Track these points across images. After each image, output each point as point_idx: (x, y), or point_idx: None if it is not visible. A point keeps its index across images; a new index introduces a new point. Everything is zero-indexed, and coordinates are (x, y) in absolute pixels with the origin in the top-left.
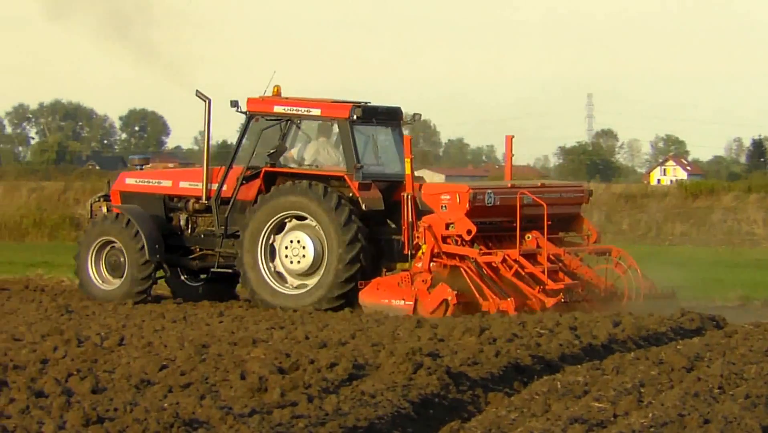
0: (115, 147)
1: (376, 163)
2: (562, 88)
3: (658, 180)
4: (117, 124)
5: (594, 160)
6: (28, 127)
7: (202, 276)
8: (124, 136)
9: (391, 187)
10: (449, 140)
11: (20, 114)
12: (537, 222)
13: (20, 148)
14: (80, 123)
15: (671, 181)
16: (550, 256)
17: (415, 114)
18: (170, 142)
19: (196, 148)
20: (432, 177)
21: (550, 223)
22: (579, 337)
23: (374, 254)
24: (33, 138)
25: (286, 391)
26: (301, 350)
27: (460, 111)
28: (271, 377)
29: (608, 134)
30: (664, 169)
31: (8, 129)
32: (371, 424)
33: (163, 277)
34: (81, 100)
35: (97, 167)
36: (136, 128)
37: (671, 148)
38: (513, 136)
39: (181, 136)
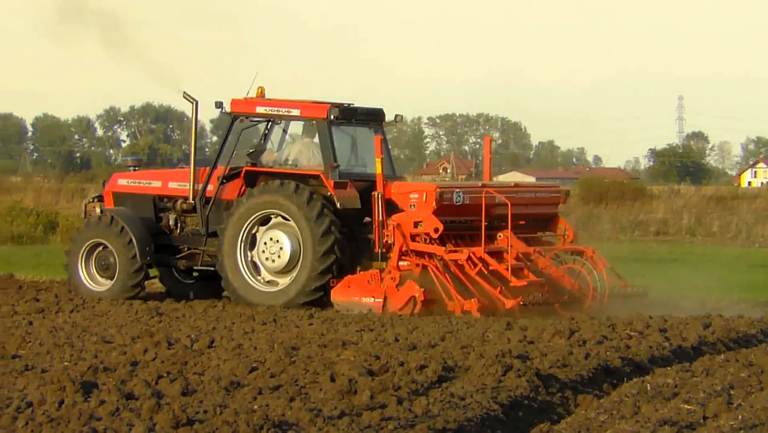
0: (206, 150)
1: (356, 163)
2: (653, 90)
3: (749, 182)
4: (208, 127)
5: (684, 163)
6: (119, 129)
7: (195, 274)
8: (215, 138)
9: (371, 187)
10: (540, 143)
11: (111, 117)
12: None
13: (111, 151)
14: (171, 126)
15: (762, 183)
16: (519, 254)
17: (396, 115)
18: None
19: None
20: (523, 179)
21: (523, 223)
22: (668, 339)
23: (352, 252)
24: (124, 141)
25: (376, 393)
26: (391, 352)
27: (550, 113)
28: (361, 379)
29: (699, 136)
30: (755, 171)
31: (99, 132)
32: (460, 426)
33: (156, 277)
34: (172, 103)
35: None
36: None
37: (762, 150)
38: (491, 138)
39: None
